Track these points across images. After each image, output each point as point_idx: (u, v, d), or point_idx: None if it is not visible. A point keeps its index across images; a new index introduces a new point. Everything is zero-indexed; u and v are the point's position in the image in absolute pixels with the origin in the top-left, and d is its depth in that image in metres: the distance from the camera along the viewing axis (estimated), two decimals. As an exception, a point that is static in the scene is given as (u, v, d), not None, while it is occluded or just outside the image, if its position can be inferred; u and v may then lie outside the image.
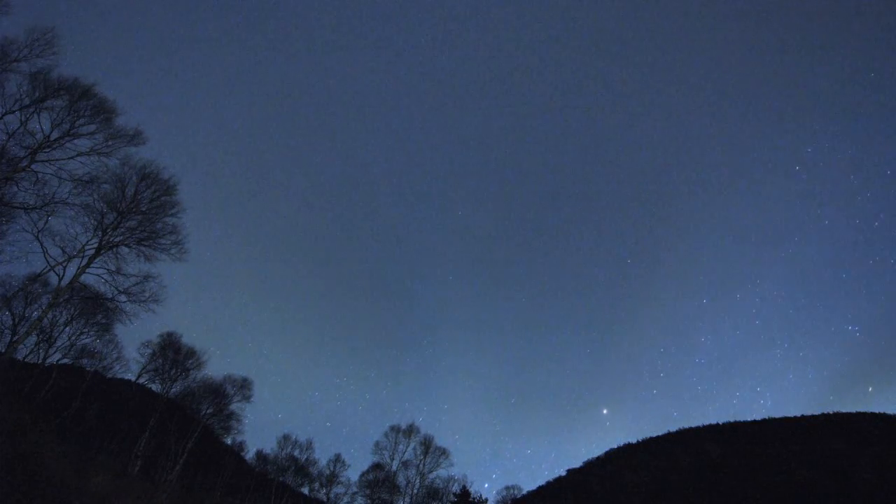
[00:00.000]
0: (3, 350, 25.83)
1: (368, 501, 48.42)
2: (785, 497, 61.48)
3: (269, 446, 78.38)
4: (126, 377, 39.51)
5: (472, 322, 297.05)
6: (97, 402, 37.21)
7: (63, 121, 21.15)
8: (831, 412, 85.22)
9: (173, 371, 38.30)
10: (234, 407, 41.76)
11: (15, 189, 20.43)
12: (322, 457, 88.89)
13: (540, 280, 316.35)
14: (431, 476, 49.48)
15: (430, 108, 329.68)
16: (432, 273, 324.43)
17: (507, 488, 59.10)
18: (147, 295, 24.87)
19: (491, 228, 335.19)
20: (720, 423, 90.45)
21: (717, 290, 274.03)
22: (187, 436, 37.65)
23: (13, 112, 20.08)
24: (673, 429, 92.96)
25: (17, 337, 27.56)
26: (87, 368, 36.74)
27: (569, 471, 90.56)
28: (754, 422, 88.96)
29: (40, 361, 32.53)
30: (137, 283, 24.55)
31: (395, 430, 50.50)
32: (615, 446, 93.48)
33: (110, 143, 22.36)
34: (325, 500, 49.86)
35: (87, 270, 22.69)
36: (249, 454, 50.88)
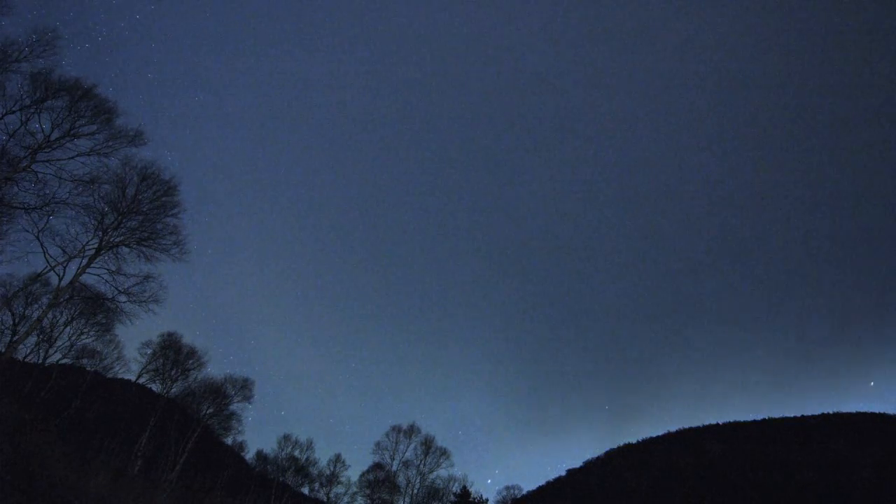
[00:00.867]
0: (4, 350, 25.81)
1: (368, 501, 48.40)
2: (785, 497, 61.44)
3: (270, 446, 78.51)
4: (126, 377, 39.63)
5: (473, 321, 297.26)
6: (97, 402, 37.23)
7: (63, 121, 21.12)
8: (831, 412, 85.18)
9: (173, 371, 38.32)
10: (234, 407, 41.87)
11: (15, 189, 20.42)
12: (322, 457, 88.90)
13: (541, 280, 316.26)
14: (432, 476, 49.54)
15: (450, 111, 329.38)
16: (434, 273, 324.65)
17: (508, 488, 59.30)
18: (147, 295, 24.89)
19: (491, 228, 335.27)
20: (720, 423, 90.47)
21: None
22: (187, 436, 37.65)
23: (14, 112, 20.07)
24: (673, 429, 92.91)
25: (17, 337, 27.56)
26: (88, 368, 36.81)
27: (569, 471, 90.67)
28: (754, 422, 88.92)
29: (40, 361, 32.57)
30: (138, 284, 24.58)
31: (396, 430, 50.53)
32: (615, 446, 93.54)
33: (111, 143, 22.36)
34: (325, 499, 49.84)
35: (87, 270, 22.68)
36: (249, 454, 51.01)
